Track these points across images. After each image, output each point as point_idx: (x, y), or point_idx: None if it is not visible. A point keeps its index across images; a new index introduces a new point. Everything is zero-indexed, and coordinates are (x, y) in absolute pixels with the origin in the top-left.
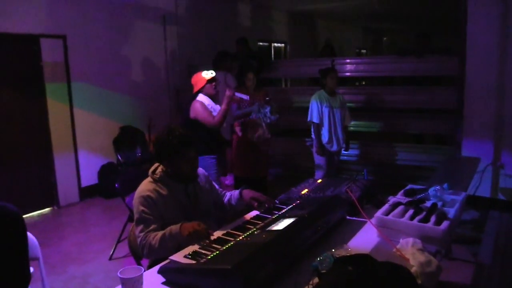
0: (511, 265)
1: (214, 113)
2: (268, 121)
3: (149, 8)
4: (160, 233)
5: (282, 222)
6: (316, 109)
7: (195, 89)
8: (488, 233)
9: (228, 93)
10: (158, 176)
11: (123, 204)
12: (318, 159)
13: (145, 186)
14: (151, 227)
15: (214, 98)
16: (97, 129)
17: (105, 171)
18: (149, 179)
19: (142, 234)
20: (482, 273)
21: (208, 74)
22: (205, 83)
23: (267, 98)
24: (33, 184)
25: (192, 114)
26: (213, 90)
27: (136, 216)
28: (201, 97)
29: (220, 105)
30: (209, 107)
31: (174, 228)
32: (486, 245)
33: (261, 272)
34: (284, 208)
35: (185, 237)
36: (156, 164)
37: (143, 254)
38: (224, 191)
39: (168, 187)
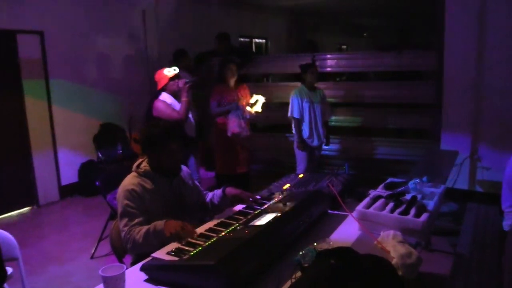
0: (489, 255)
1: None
2: (248, 116)
3: (128, 4)
4: (144, 228)
5: (265, 217)
6: (297, 104)
7: (159, 87)
8: (466, 224)
9: (180, 84)
10: (142, 171)
11: (104, 202)
12: (299, 154)
13: (130, 180)
14: (135, 221)
15: (177, 95)
16: (76, 127)
17: (85, 169)
18: (133, 173)
19: (126, 228)
20: (461, 264)
21: (171, 71)
22: (168, 80)
23: (252, 100)
24: (12, 183)
25: (155, 113)
26: (177, 87)
27: (120, 210)
28: (163, 96)
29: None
30: (172, 105)
31: (159, 224)
32: (465, 236)
33: (244, 267)
34: (266, 203)
35: (167, 236)
36: (141, 159)
37: (127, 249)
38: (206, 191)
39: (153, 181)
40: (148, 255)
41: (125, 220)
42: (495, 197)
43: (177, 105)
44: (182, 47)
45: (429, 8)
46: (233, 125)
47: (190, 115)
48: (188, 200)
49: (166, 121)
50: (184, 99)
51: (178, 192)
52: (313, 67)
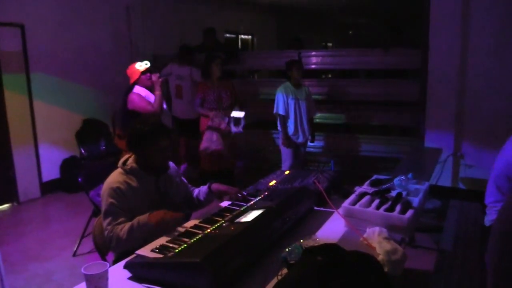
0: (472, 251)
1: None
2: (234, 131)
3: None
4: (127, 225)
5: (250, 214)
6: (282, 101)
7: (131, 81)
8: (449, 221)
9: (154, 78)
10: (128, 168)
11: (87, 198)
12: (285, 151)
13: (115, 177)
14: (119, 220)
15: (151, 89)
16: (58, 122)
17: (67, 165)
18: (119, 170)
19: (109, 227)
20: (444, 260)
21: (142, 65)
22: (139, 75)
23: (237, 113)
24: None
25: (130, 106)
26: (149, 81)
27: (104, 208)
28: (137, 89)
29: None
30: (146, 98)
31: (142, 218)
32: (448, 233)
33: (230, 264)
34: (252, 200)
35: (154, 224)
36: (127, 156)
37: (110, 247)
38: (192, 187)
39: (139, 179)
40: (132, 253)
41: (109, 219)
42: (478, 194)
43: (152, 98)
44: (168, 42)
45: (415, 7)
46: (204, 144)
47: (165, 107)
48: (174, 199)
49: (155, 119)
50: (157, 92)
51: (164, 191)
52: (298, 64)
